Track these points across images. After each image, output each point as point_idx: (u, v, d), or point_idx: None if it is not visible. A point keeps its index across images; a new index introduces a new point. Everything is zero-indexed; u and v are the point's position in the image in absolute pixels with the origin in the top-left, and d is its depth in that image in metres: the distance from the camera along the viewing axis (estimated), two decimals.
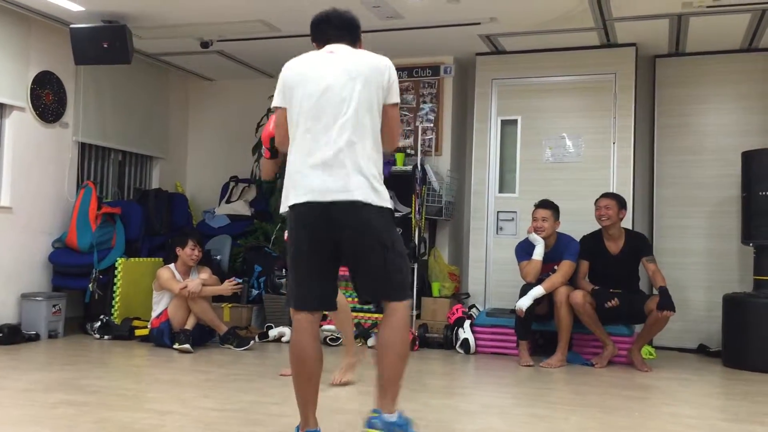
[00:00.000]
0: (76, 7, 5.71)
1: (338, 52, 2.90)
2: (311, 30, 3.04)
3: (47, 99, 6.24)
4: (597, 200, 5.62)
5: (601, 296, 5.31)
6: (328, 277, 2.89)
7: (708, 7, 5.30)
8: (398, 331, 2.85)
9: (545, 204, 5.59)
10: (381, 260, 2.79)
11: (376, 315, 6.19)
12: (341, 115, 2.77)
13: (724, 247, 6.26)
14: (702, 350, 6.16)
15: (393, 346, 2.84)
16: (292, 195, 2.81)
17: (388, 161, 6.41)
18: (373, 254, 2.79)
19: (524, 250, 5.62)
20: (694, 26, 5.78)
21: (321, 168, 2.76)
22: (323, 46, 2.97)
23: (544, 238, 5.49)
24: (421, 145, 6.57)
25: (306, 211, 2.78)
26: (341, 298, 4.12)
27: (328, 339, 5.97)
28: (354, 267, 2.88)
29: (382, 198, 2.82)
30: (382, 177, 2.87)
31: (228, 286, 5.75)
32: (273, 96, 2.99)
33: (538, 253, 5.48)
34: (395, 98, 2.90)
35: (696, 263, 6.33)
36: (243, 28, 6.09)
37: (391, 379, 2.81)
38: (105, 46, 5.83)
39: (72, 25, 5.92)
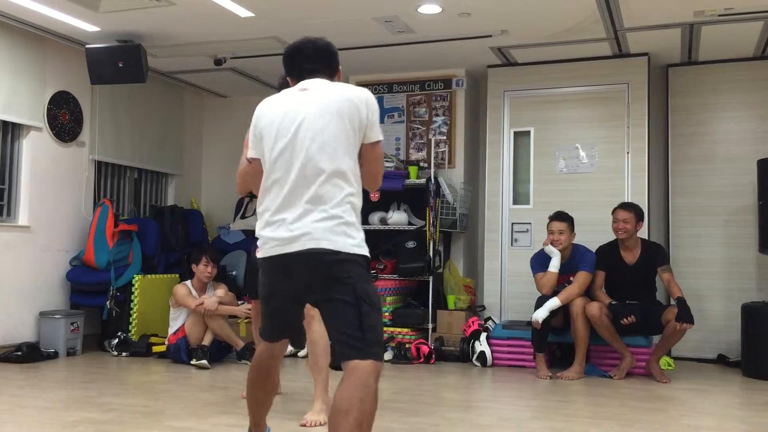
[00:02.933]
0: (92, 28, 5.79)
1: (312, 88, 2.64)
2: (284, 64, 2.82)
3: (64, 118, 6.31)
4: (614, 211, 5.58)
5: (617, 312, 5.28)
6: (290, 322, 2.75)
7: (720, 15, 5.30)
8: (358, 390, 2.36)
9: (561, 216, 5.58)
10: (354, 315, 2.45)
11: (392, 328, 6.19)
12: (312, 160, 2.50)
13: (741, 256, 6.21)
14: (721, 360, 6.10)
15: (350, 411, 2.33)
16: (260, 249, 2.62)
17: (402, 174, 6.42)
18: (344, 308, 2.46)
19: (539, 261, 5.61)
20: (706, 35, 5.77)
21: (286, 218, 2.52)
22: (297, 81, 2.74)
23: (560, 251, 5.48)
24: (435, 157, 6.58)
25: (268, 264, 2.60)
26: (318, 329, 3.64)
27: None
28: (325, 322, 2.59)
29: (357, 245, 2.52)
30: (359, 222, 2.58)
31: (243, 309, 5.77)
32: None
33: (554, 266, 5.46)
34: (376, 136, 2.62)
35: (713, 273, 6.29)
36: (256, 46, 6.14)
37: None
38: (120, 65, 5.90)
39: (87, 45, 6.00)
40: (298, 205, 2.51)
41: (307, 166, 2.51)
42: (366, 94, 2.62)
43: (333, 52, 2.83)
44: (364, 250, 2.54)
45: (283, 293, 2.63)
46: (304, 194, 2.50)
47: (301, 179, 2.51)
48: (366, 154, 2.63)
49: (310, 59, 2.76)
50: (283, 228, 2.52)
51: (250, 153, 2.74)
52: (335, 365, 2.47)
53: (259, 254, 2.61)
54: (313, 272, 2.50)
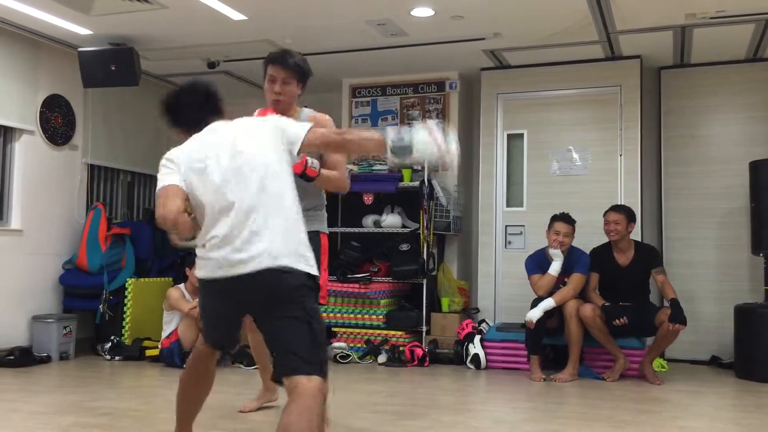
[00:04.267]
0: (84, 31, 5.78)
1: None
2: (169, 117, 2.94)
3: (56, 122, 6.29)
4: (606, 213, 5.60)
5: (610, 313, 5.29)
6: (230, 331, 2.79)
7: (711, 18, 5.31)
8: (305, 415, 2.32)
9: (567, 218, 5.57)
10: (306, 331, 2.45)
11: (386, 331, 6.19)
12: (247, 189, 2.52)
13: (734, 258, 6.23)
14: (714, 362, 6.12)
15: None
16: (199, 270, 2.61)
17: (396, 177, 6.42)
18: (296, 324, 2.46)
19: (535, 263, 5.61)
20: (698, 37, 5.79)
21: (228, 243, 2.50)
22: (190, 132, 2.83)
23: (562, 252, 5.48)
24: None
25: (210, 285, 2.59)
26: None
27: (337, 356, 5.97)
28: (271, 339, 2.56)
29: (307, 263, 2.54)
30: (306, 239, 2.59)
31: None
32: None
33: (555, 269, 5.45)
34: (300, 139, 2.65)
35: (706, 274, 6.30)
36: (249, 49, 6.14)
37: None
38: (113, 68, 5.89)
39: (80, 49, 5.98)
40: (236, 234, 2.49)
41: (237, 202, 2.52)
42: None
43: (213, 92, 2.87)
44: (314, 270, 2.56)
45: (224, 314, 2.68)
46: (236, 226, 2.49)
47: (233, 213, 2.52)
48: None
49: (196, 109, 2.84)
50: (221, 252, 2.50)
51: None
52: (276, 379, 2.45)
53: (199, 275, 2.60)
54: (262, 290, 2.48)
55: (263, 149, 2.59)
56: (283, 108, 3.28)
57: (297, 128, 2.69)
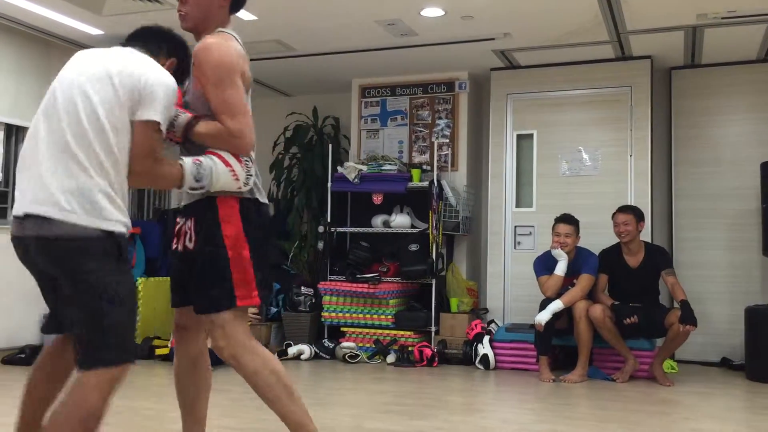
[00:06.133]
0: (96, 31, 5.81)
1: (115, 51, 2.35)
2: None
3: None
4: (614, 215, 5.58)
5: (620, 312, 5.28)
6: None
7: (723, 18, 5.30)
8: (67, 411, 1.99)
9: (567, 219, 5.57)
10: (90, 313, 2.04)
11: (395, 331, 6.19)
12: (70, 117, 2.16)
13: (744, 260, 6.20)
14: (725, 363, 6.09)
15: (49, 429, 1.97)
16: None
17: (405, 177, 6.42)
18: (70, 301, 2.06)
19: (544, 264, 5.60)
20: (709, 37, 5.77)
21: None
22: None
23: (566, 254, 5.47)
24: (437, 160, 6.58)
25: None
26: (250, 356, 2.63)
27: (346, 356, 5.97)
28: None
29: (95, 215, 2.08)
30: (117, 192, 2.16)
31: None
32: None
33: (561, 269, 5.45)
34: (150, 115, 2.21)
35: (717, 276, 6.27)
36: (258, 48, 6.15)
37: None
38: None
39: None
40: (33, 166, 2.23)
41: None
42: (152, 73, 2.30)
43: (162, 34, 2.58)
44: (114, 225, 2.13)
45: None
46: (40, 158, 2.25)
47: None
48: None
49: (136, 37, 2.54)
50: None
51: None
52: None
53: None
54: (39, 254, 2.17)
55: None
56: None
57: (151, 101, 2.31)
